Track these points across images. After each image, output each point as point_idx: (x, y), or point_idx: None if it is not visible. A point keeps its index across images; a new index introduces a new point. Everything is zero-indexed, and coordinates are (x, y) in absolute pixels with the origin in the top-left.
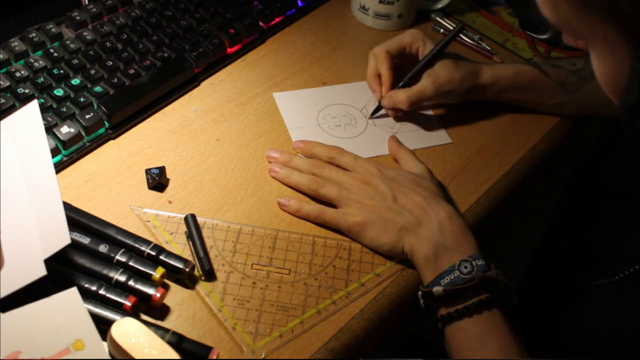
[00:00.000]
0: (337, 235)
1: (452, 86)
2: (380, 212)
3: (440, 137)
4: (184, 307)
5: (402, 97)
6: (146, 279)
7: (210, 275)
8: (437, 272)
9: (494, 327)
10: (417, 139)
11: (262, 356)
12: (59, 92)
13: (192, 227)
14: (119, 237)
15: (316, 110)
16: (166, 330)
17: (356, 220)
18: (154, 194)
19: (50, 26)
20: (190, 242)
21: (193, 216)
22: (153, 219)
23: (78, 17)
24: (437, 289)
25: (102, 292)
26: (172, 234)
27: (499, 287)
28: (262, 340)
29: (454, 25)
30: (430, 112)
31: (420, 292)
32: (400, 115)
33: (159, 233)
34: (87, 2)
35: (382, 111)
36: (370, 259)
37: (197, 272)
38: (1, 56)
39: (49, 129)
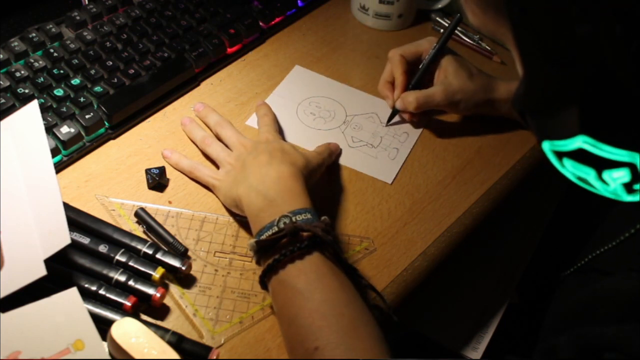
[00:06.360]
0: None
1: (463, 96)
2: (234, 171)
3: (385, 173)
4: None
5: (410, 98)
6: (146, 279)
7: (185, 256)
8: (260, 226)
9: (318, 280)
10: (360, 162)
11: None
12: (59, 92)
13: (149, 220)
14: (115, 236)
15: (310, 94)
16: (166, 330)
17: (216, 179)
18: (154, 194)
19: (50, 26)
20: (153, 234)
21: (143, 209)
22: (118, 208)
23: (78, 17)
24: (251, 242)
25: (102, 292)
26: (136, 222)
27: (323, 239)
28: (222, 327)
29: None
30: (406, 152)
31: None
32: (416, 121)
33: (124, 222)
34: (87, 2)
35: (396, 118)
36: None
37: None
38: (1, 56)
39: (49, 129)
